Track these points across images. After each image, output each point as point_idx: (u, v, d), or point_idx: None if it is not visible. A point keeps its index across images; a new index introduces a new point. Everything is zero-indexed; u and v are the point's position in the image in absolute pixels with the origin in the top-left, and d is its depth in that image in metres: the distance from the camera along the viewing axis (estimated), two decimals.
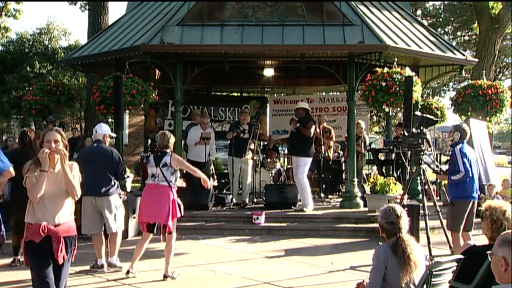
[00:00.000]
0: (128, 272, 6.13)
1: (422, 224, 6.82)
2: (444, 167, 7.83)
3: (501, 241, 2.39)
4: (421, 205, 6.75)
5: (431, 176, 14.94)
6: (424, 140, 6.79)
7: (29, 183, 3.79)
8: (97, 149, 6.59)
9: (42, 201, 3.79)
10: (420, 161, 6.71)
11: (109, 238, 6.47)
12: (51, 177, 3.84)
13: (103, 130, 6.72)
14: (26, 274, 6.12)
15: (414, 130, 6.90)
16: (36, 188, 3.75)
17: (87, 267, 6.38)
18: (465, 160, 6.40)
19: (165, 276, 6.01)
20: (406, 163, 10.26)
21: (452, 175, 6.51)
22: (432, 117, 7.76)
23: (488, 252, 2.48)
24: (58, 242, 3.80)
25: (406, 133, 6.96)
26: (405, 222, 3.66)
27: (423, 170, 6.81)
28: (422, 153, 6.78)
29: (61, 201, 3.87)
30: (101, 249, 6.39)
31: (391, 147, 7.61)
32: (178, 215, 6.09)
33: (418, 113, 7.71)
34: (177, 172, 6.16)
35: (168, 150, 6.20)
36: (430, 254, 6.27)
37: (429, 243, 6.43)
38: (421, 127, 6.86)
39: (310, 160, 9.70)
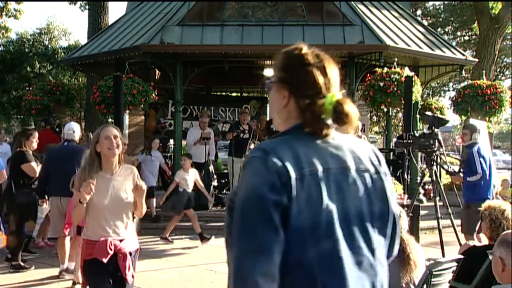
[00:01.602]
0: (74, 283, 5.73)
1: (422, 224, 6.80)
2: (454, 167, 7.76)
3: (499, 242, 2.42)
4: (420, 205, 6.71)
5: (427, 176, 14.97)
6: (436, 140, 6.56)
7: (74, 202, 3.39)
8: (68, 148, 6.24)
9: (101, 213, 3.32)
10: (432, 162, 6.53)
11: (71, 242, 6.11)
12: (111, 184, 3.34)
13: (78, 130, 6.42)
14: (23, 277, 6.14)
15: (425, 130, 6.76)
16: (75, 217, 3.42)
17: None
18: (482, 161, 6.33)
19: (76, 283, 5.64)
20: (407, 164, 10.27)
21: (468, 176, 6.43)
22: (443, 116, 7.65)
23: (489, 251, 2.49)
24: (124, 259, 3.30)
25: (416, 134, 6.79)
26: (404, 222, 3.66)
27: (435, 172, 6.62)
28: (434, 154, 6.57)
29: (124, 212, 3.38)
30: (65, 254, 6.03)
31: (402, 148, 7.46)
32: None
33: (429, 113, 7.66)
34: None
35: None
36: (443, 256, 6.14)
37: (442, 246, 6.17)
38: (433, 127, 6.60)
39: None
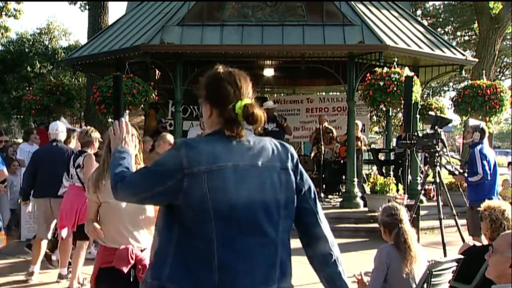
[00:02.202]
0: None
1: (422, 224, 6.81)
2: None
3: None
4: (420, 205, 6.68)
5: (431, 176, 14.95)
6: (439, 140, 6.49)
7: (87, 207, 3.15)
8: (54, 148, 6.11)
9: (120, 218, 3.05)
10: (436, 163, 6.46)
11: (58, 246, 5.95)
12: None
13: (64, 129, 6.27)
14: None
15: (428, 130, 6.72)
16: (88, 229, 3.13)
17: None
18: (485, 162, 6.25)
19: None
20: (407, 164, 10.27)
21: (469, 177, 6.39)
22: (446, 116, 7.56)
23: (491, 247, 2.46)
24: (143, 271, 2.93)
25: (420, 134, 6.73)
26: (404, 214, 3.69)
27: (439, 172, 6.55)
28: (437, 154, 6.48)
29: (145, 217, 3.11)
30: (39, 256, 5.88)
31: (404, 148, 7.39)
32: None
33: (432, 113, 7.59)
34: None
35: (88, 150, 5.52)
36: (445, 256, 6.09)
37: (444, 246, 6.11)
38: (435, 127, 6.55)
39: None
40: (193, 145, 1.91)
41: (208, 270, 1.84)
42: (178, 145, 1.94)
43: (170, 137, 6.47)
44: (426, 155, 6.61)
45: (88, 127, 5.91)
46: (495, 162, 6.56)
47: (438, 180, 6.51)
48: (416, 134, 6.78)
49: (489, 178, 6.27)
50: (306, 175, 2.10)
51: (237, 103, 1.92)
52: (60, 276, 5.85)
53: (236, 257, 1.85)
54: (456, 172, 7.40)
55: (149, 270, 1.98)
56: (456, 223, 6.28)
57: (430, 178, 6.95)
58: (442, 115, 7.50)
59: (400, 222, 3.63)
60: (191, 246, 1.86)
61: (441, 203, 6.29)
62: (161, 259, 1.92)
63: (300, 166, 2.05)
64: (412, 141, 6.58)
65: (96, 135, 5.57)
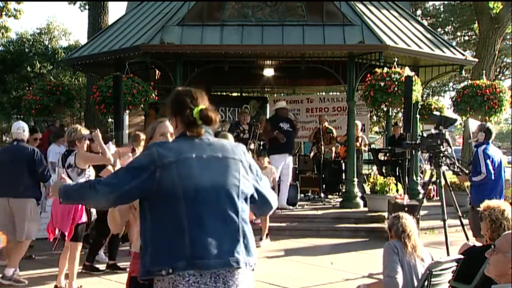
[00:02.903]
0: (55, 287, 5.45)
1: (422, 224, 6.80)
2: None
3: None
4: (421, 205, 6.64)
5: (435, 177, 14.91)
6: (444, 140, 6.41)
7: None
8: (16, 147, 6.00)
9: None
10: (441, 163, 6.39)
11: (16, 246, 5.79)
12: None
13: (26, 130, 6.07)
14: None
15: (433, 130, 6.62)
16: (110, 224, 2.99)
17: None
18: (488, 162, 6.18)
19: None
20: (406, 164, 10.26)
21: (473, 176, 6.33)
22: (451, 116, 7.48)
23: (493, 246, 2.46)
24: None
25: (424, 134, 6.67)
26: (407, 216, 3.84)
27: (444, 173, 6.51)
28: (441, 154, 6.40)
29: None
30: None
31: (410, 148, 7.32)
32: (83, 220, 5.34)
33: (436, 112, 7.52)
34: (85, 171, 5.42)
35: (76, 149, 5.44)
36: (448, 255, 6.07)
37: (447, 247, 6.09)
38: (440, 127, 6.48)
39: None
40: (162, 144, 2.41)
41: (181, 246, 2.19)
42: (149, 146, 2.39)
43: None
44: (431, 155, 6.51)
45: (76, 126, 5.82)
46: (500, 162, 6.45)
47: (443, 181, 6.41)
48: (421, 134, 6.71)
49: (492, 177, 6.17)
50: (255, 165, 2.53)
51: (195, 109, 2.38)
52: (3, 276, 5.64)
53: (204, 232, 2.21)
54: (461, 173, 7.23)
55: (140, 266, 2.30)
56: (462, 223, 6.29)
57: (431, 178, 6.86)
58: (446, 114, 7.38)
59: (401, 218, 3.76)
60: (165, 229, 2.23)
61: (445, 203, 6.27)
62: (144, 251, 2.27)
63: (249, 157, 2.51)
64: (417, 142, 6.52)
65: (83, 133, 5.49)
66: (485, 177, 6.17)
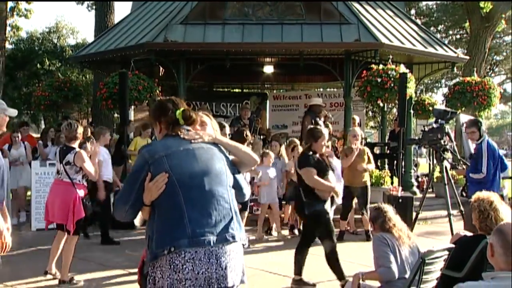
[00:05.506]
0: (46, 272, 5.51)
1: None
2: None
3: (494, 230, 2.52)
4: (414, 197, 6.64)
5: (424, 168, 15.03)
6: (445, 134, 6.30)
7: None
8: None
9: None
10: (442, 158, 6.30)
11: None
12: None
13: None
14: None
15: (434, 125, 6.51)
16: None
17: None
18: (491, 161, 6.04)
19: (62, 282, 5.27)
20: (401, 157, 10.49)
21: (471, 172, 6.20)
22: (451, 109, 7.30)
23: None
24: None
25: (426, 128, 6.55)
26: (388, 207, 4.01)
27: (446, 167, 6.42)
28: (442, 148, 6.29)
29: None
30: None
31: (415, 145, 7.25)
32: (82, 215, 5.37)
33: (437, 106, 7.42)
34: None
35: (74, 145, 5.41)
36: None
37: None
38: (439, 121, 6.38)
39: None
40: (149, 144, 2.73)
41: (182, 227, 2.42)
42: (139, 150, 2.65)
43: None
44: (431, 149, 6.37)
45: (72, 121, 5.76)
46: (501, 158, 6.31)
47: (445, 175, 6.36)
48: (423, 129, 6.61)
49: (491, 178, 6.08)
50: (230, 157, 2.76)
51: (177, 110, 2.66)
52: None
53: (201, 213, 2.47)
54: (459, 166, 7.31)
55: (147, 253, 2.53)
56: (463, 216, 6.28)
57: (424, 170, 6.95)
58: (446, 108, 7.40)
59: (384, 213, 3.93)
60: (168, 218, 2.46)
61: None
62: (151, 240, 2.49)
63: (226, 152, 2.75)
64: (420, 136, 6.47)
65: (80, 130, 5.49)
66: (483, 177, 6.09)
